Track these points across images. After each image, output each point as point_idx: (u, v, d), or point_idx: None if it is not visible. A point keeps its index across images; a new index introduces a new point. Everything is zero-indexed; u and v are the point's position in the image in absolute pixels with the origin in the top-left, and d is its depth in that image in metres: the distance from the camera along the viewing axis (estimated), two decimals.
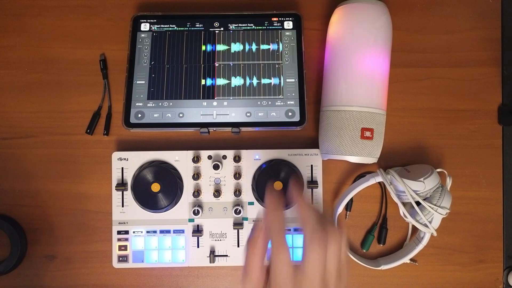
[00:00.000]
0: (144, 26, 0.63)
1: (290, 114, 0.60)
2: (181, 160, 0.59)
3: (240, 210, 0.58)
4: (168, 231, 0.59)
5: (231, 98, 0.60)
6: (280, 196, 0.39)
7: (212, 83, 0.61)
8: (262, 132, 0.62)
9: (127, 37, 0.63)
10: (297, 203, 0.39)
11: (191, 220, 0.59)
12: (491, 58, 0.63)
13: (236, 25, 0.63)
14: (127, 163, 0.59)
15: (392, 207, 0.61)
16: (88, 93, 0.63)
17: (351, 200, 0.61)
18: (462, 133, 0.62)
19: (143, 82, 0.61)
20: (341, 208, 0.58)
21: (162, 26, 0.63)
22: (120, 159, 0.59)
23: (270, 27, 0.63)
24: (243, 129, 0.60)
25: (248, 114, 0.60)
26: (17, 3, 0.65)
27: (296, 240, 0.59)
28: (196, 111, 0.60)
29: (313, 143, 0.61)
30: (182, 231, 0.59)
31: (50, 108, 0.63)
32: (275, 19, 0.63)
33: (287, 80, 0.61)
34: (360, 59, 0.55)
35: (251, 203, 0.59)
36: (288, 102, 0.60)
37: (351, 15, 0.56)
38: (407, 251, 0.59)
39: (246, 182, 0.59)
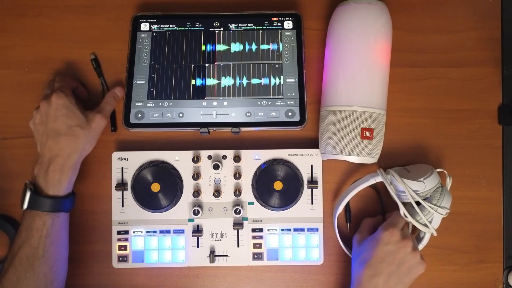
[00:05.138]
0: (144, 26, 0.63)
1: (290, 114, 0.60)
2: (181, 160, 0.59)
3: (240, 210, 0.58)
4: (168, 231, 0.59)
5: (231, 98, 0.60)
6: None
7: (212, 83, 0.61)
8: (262, 132, 0.62)
9: (127, 37, 0.63)
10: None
11: (191, 220, 0.59)
12: (491, 58, 0.63)
13: (236, 25, 0.63)
14: (127, 163, 0.59)
15: (392, 207, 0.61)
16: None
17: (349, 211, 0.61)
18: (462, 133, 0.62)
19: (143, 82, 0.61)
20: (341, 208, 0.58)
21: (162, 26, 0.63)
22: (120, 159, 0.59)
23: (270, 27, 0.63)
24: (243, 129, 0.60)
25: (248, 114, 0.60)
26: (17, 3, 0.65)
27: (296, 239, 0.59)
28: (196, 111, 0.60)
29: (313, 143, 0.61)
30: (182, 231, 0.59)
31: None
32: (275, 19, 0.63)
33: (287, 80, 0.61)
34: (360, 59, 0.55)
35: (251, 203, 0.59)
36: (288, 102, 0.60)
37: (351, 15, 0.56)
38: None
39: (246, 182, 0.59)
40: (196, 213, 0.58)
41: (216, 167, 0.58)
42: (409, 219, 0.55)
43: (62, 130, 0.54)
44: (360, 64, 0.55)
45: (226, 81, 0.61)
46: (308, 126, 0.61)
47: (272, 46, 0.62)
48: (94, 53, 0.63)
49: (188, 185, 0.59)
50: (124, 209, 0.59)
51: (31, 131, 0.57)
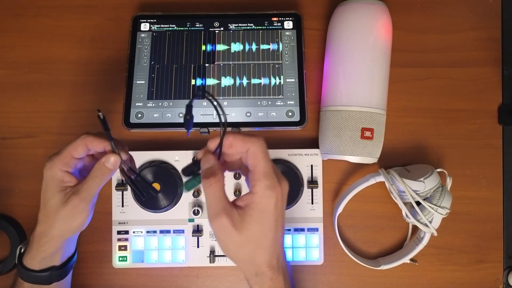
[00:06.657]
0: (144, 26, 0.63)
1: (290, 114, 0.60)
2: (181, 160, 0.59)
3: None
4: (168, 231, 0.59)
5: (231, 98, 0.60)
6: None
7: (212, 83, 0.61)
8: (262, 132, 0.62)
9: (127, 37, 0.63)
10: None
11: (191, 220, 0.59)
12: (491, 58, 0.63)
13: (236, 25, 0.63)
14: None
15: (392, 207, 0.61)
16: (88, 93, 0.63)
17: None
18: (462, 133, 0.62)
19: (143, 82, 0.61)
20: (341, 208, 0.58)
21: (162, 26, 0.63)
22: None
23: (270, 27, 0.63)
24: (243, 129, 0.60)
25: (248, 114, 0.60)
26: (17, 3, 0.65)
27: (296, 239, 0.59)
28: (196, 111, 0.60)
29: (313, 143, 0.61)
30: (182, 231, 0.59)
31: (50, 108, 0.63)
32: (275, 19, 0.63)
33: (287, 80, 0.61)
34: (360, 59, 0.55)
35: None
36: (288, 102, 0.60)
37: (351, 15, 0.56)
38: (407, 251, 0.59)
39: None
40: (196, 213, 0.58)
41: None
42: (412, 219, 0.55)
43: (42, 203, 0.48)
44: (360, 64, 0.55)
45: (226, 81, 0.61)
46: (308, 126, 0.61)
47: (272, 46, 0.62)
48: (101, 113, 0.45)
49: None
50: (124, 209, 0.59)
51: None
